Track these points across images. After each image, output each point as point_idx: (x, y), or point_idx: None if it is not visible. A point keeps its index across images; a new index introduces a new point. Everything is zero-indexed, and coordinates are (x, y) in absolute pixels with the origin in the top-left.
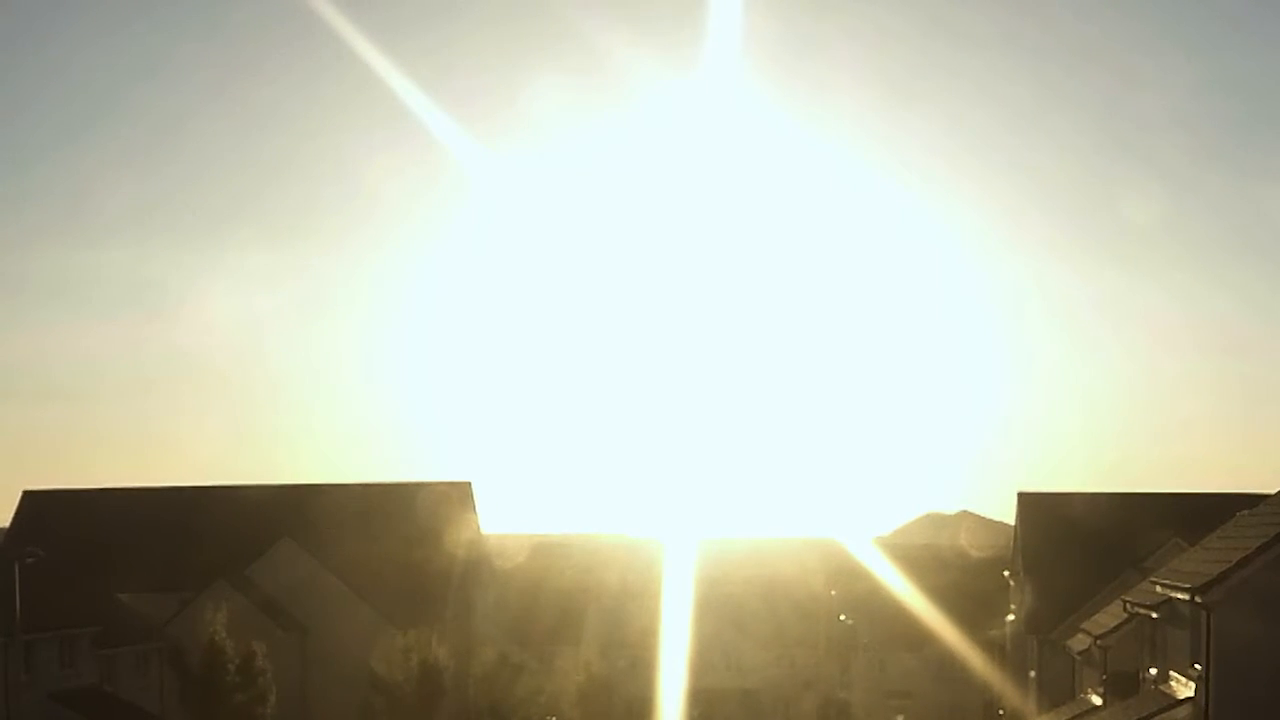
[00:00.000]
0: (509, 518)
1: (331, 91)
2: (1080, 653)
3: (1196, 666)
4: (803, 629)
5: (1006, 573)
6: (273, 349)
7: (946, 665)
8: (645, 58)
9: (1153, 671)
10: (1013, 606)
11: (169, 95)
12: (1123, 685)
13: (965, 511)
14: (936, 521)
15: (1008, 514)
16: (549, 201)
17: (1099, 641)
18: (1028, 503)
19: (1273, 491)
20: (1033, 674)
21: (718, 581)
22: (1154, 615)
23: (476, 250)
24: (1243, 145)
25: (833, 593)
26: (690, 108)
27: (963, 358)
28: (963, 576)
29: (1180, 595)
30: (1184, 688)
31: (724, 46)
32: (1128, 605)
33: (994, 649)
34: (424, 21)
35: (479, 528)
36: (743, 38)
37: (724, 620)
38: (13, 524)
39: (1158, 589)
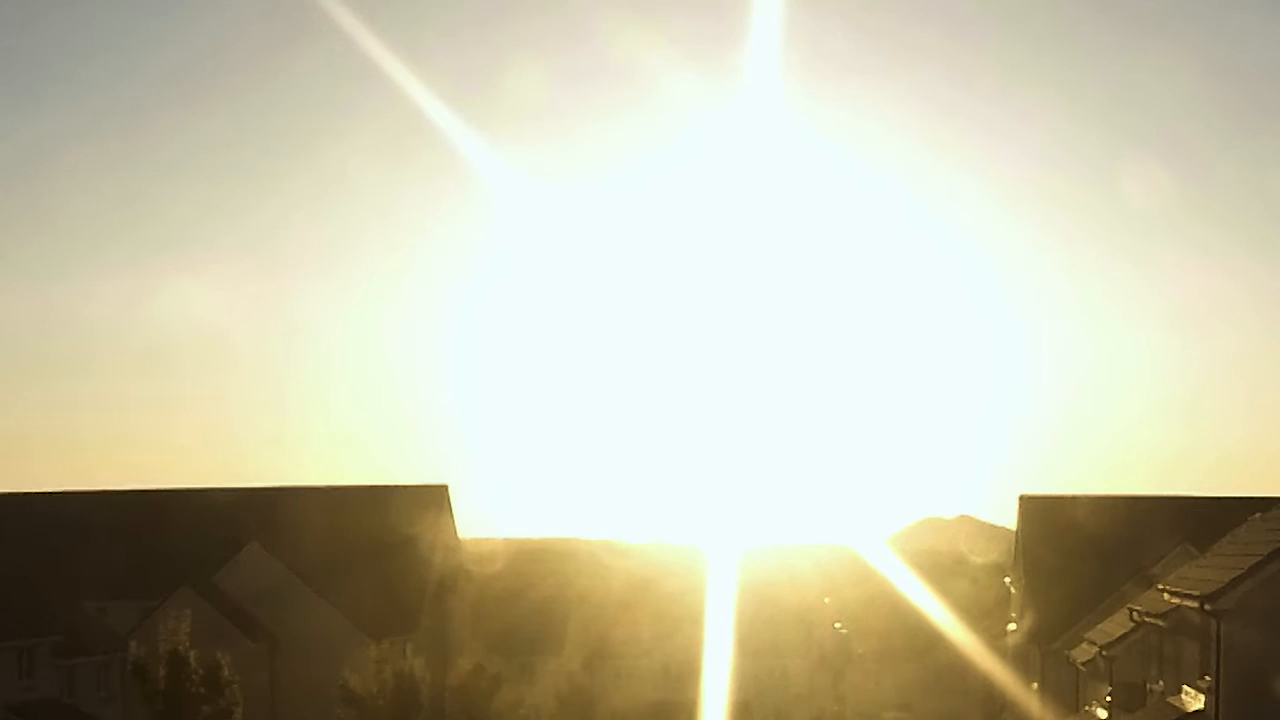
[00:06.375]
0: (487, 522)
1: (331, 91)
2: (1085, 663)
3: (1206, 678)
4: (796, 638)
5: (1008, 579)
6: (242, 348)
7: (945, 676)
8: (679, 73)
9: (1161, 683)
10: (1014, 615)
11: (160, 90)
12: (1129, 697)
13: (965, 516)
14: (935, 526)
15: (1009, 518)
16: (543, 204)
17: (1104, 652)
18: (1030, 506)
19: None
20: (1035, 685)
21: (705, 589)
22: (1162, 624)
23: (464, 252)
24: (1247, 135)
25: (827, 600)
26: (722, 120)
27: (961, 356)
28: (962, 584)
29: (1189, 603)
30: (1193, 700)
31: (760, 64)
32: (1134, 614)
33: (995, 659)
34: (447, 33)
35: (456, 532)
36: (780, 55)
37: (713, 629)
38: None
39: (1166, 597)
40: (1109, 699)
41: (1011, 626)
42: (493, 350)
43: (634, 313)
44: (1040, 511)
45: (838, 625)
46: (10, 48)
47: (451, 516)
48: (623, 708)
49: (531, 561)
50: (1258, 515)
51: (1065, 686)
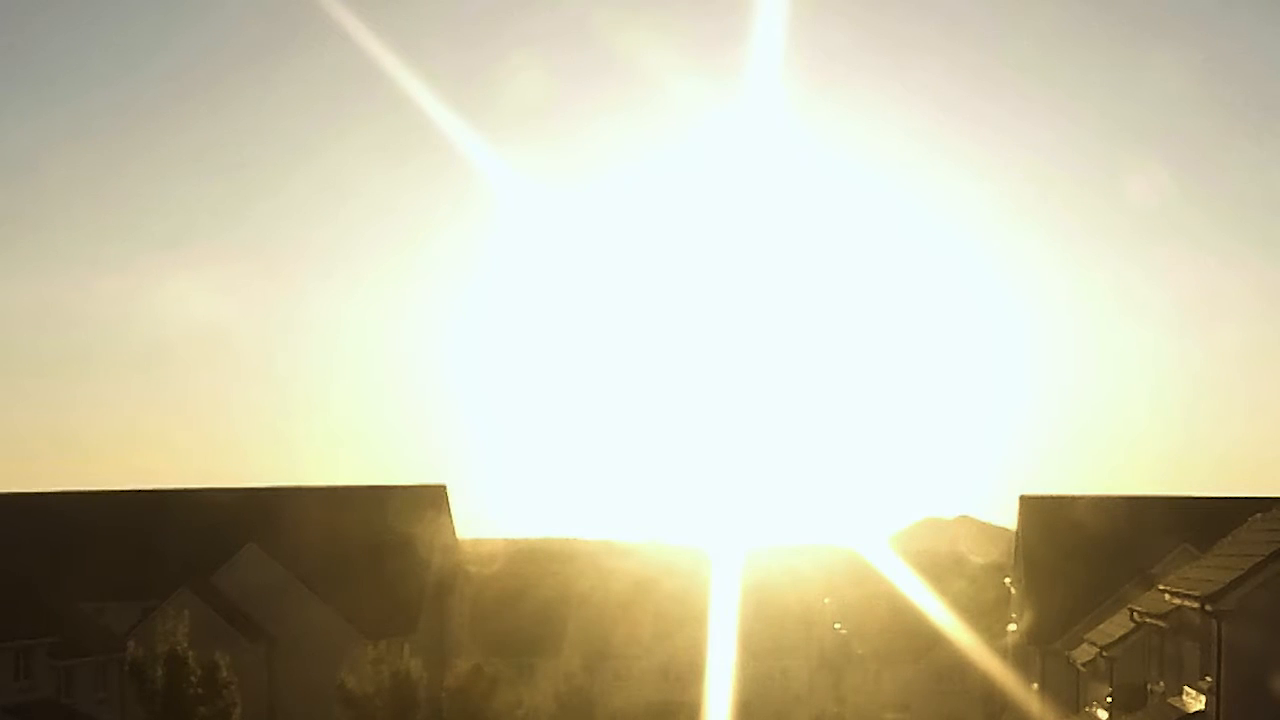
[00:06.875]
0: (486, 522)
1: (331, 91)
2: (1085, 664)
3: (1207, 679)
4: (795, 638)
5: (1008, 580)
6: (241, 348)
7: (945, 677)
8: (680, 73)
9: (1161, 684)
10: (1014, 615)
11: (160, 89)
12: (1130, 698)
13: (964, 516)
14: (935, 527)
15: (1009, 518)
16: (543, 204)
17: (1105, 652)
18: (1030, 506)
19: None
20: (1035, 686)
21: (705, 589)
22: (1163, 625)
23: (464, 252)
24: (1250, 132)
25: (826, 600)
26: (723, 119)
27: (962, 356)
28: (962, 584)
29: (1190, 604)
30: (1194, 701)
31: (762, 63)
32: (1135, 614)
33: (995, 659)
34: (447, 33)
35: (454, 532)
36: (782, 54)
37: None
38: None
39: (1166, 597)
40: (1109, 700)
41: (1011, 627)
42: (492, 350)
43: (634, 313)
44: (1040, 511)
45: (837, 626)
46: (10, 46)
47: (450, 517)
48: (622, 709)
49: (530, 562)
50: (1258, 515)
51: (1065, 687)
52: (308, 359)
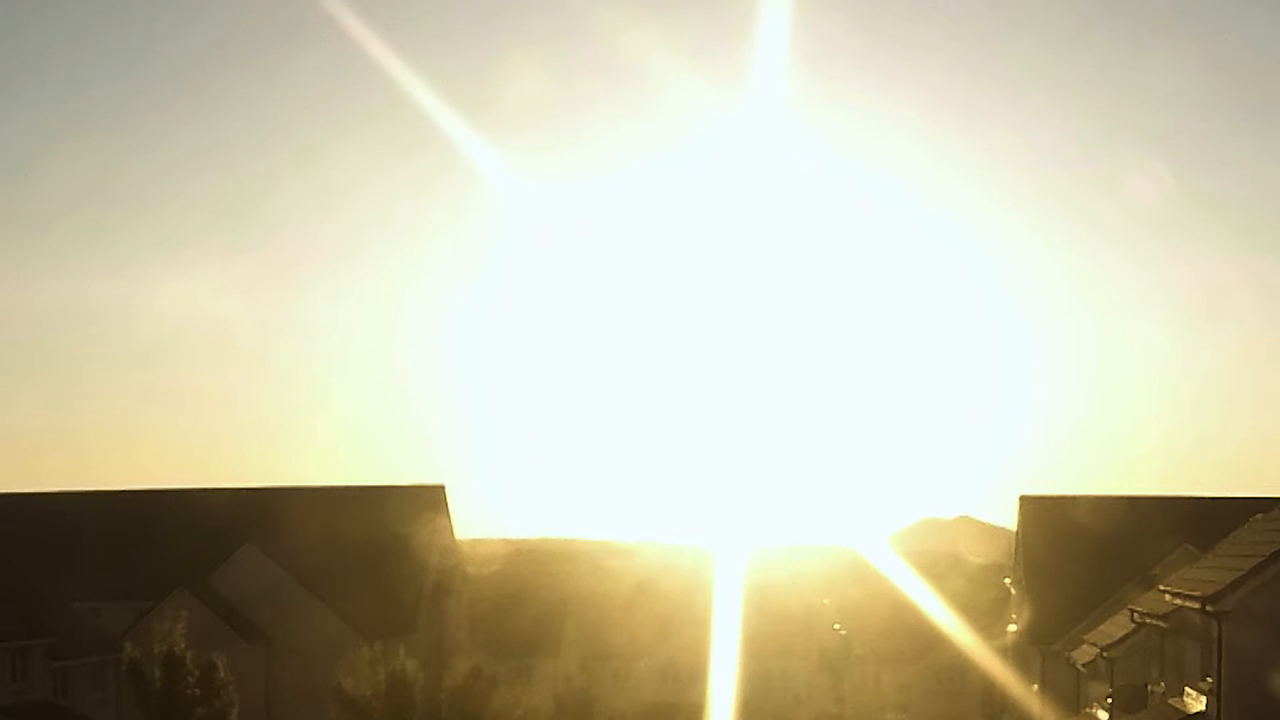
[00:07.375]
0: (485, 523)
1: (331, 91)
2: (1085, 665)
3: (1208, 679)
4: (795, 639)
5: (1008, 580)
6: (239, 347)
7: (945, 677)
8: (683, 72)
9: (1162, 685)
10: (1014, 616)
11: (159, 89)
12: (1130, 699)
13: (965, 516)
14: (934, 527)
15: (1009, 518)
16: (543, 204)
17: (1105, 653)
18: (1030, 506)
19: None
20: (1035, 686)
21: (704, 589)
22: (1163, 625)
23: (463, 252)
24: (1253, 131)
25: (825, 601)
26: (727, 119)
27: (960, 354)
28: (962, 584)
29: (1190, 604)
30: (1195, 702)
31: (766, 62)
32: (1135, 615)
33: (995, 660)
34: (448, 33)
35: (452, 533)
36: (786, 53)
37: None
38: None
39: (1167, 598)
40: (1110, 700)
41: (1011, 627)
42: (491, 350)
43: (635, 313)
44: (1040, 511)
45: (837, 626)
46: (11, 45)
47: (449, 517)
48: (622, 709)
49: (529, 562)
50: (1259, 516)
51: (1066, 688)
52: (307, 359)
